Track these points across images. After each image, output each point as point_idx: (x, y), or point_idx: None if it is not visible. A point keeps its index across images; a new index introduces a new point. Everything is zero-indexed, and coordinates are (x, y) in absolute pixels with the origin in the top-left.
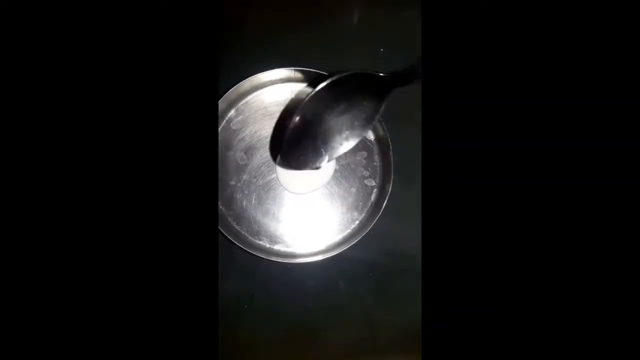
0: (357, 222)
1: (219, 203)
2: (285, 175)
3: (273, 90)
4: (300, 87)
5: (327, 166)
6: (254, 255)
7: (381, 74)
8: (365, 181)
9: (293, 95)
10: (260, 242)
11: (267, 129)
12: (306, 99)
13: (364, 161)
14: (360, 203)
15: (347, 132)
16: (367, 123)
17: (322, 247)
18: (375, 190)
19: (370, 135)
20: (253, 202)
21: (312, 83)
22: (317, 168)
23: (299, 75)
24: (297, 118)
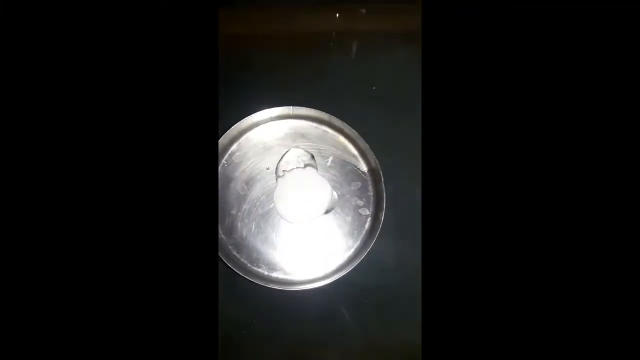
0: (352, 249)
1: (220, 232)
2: (283, 205)
3: (272, 126)
4: (299, 123)
5: (323, 196)
6: (253, 282)
7: None
8: (359, 210)
9: (292, 131)
10: (259, 270)
11: (266, 162)
12: None
13: (359, 191)
14: (355, 231)
15: None
16: None
17: (320, 274)
18: (369, 218)
19: (363, 167)
20: (253, 230)
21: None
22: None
23: (296, 112)
24: None
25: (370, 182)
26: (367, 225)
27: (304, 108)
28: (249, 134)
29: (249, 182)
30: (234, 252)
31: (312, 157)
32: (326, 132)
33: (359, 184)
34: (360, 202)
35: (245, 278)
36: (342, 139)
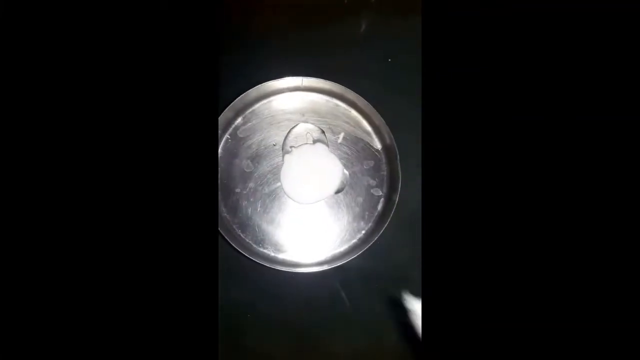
0: (363, 231)
1: (224, 210)
2: (290, 184)
3: (281, 99)
4: (308, 96)
5: (333, 175)
6: (259, 263)
7: None
8: (372, 190)
9: (301, 104)
10: (265, 251)
11: (273, 137)
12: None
13: (371, 170)
14: (367, 212)
15: None
16: None
17: (328, 256)
18: (382, 199)
19: (377, 144)
20: (258, 210)
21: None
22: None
23: (307, 84)
24: None
25: (384, 161)
26: (379, 207)
27: (315, 79)
28: (255, 107)
29: (255, 159)
30: (239, 232)
31: (323, 132)
32: (338, 106)
33: (372, 162)
34: (373, 182)
35: (250, 259)
36: (355, 113)
